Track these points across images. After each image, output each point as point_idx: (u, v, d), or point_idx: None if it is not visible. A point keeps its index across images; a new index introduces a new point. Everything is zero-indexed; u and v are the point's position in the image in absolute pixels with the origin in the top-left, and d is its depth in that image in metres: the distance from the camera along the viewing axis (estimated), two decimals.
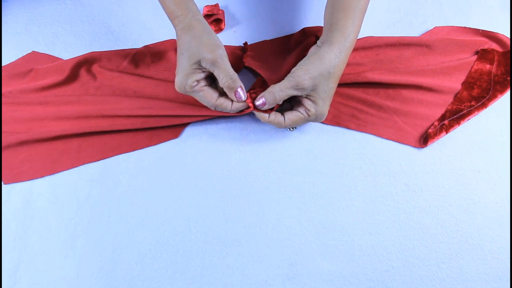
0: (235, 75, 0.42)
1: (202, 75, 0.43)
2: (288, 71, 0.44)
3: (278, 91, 0.43)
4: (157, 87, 0.51)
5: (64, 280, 0.45)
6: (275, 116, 0.45)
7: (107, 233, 0.47)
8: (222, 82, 0.42)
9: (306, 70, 0.42)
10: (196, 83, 0.43)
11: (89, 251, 0.46)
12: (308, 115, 0.44)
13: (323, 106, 0.44)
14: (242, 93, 0.43)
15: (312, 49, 0.45)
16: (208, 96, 0.44)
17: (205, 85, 0.44)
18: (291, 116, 0.45)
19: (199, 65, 0.42)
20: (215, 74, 0.42)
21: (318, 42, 0.45)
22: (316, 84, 0.42)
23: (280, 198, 0.48)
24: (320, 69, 0.42)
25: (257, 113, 0.46)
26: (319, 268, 0.45)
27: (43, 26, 0.58)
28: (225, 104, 0.44)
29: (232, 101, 0.44)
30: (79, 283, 0.45)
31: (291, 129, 0.49)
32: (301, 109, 0.44)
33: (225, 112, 0.46)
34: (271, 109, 0.45)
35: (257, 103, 0.44)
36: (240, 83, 0.43)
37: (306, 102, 0.44)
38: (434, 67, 0.51)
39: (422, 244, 0.45)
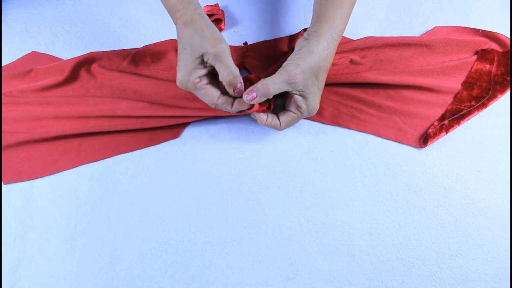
0: (236, 70, 0.42)
1: (205, 71, 0.42)
2: None
3: (271, 84, 0.42)
4: (158, 87, 0.51)
5: (64, 280, 0.45)
6: (272, 119, 0.45)
7: (107, 233, 0.47)
8: (223, 77, 0.41)
9: (297, 64, 0.41)
10: (198, 79, 0.42)
11: (89, 251, 0.46)
12: (301, 112, 0.44)
13: (314, 100, 0.44)
14: (242, 88, 0.43)
15: (300, 42, 0.44)
16: (209, 95, 0.43)
17: (207, 83, 0.43)
18: (285, 118, 0.45)
19: (201, 60, 0.42)
20: (217, 68, 0.41)
21: (305, 34, 0.44)
22: (306, 78, 0.42)
23: (280, 198, 0.48)
24: (310, 63, 0.42)
25: (254, 115, 0.45)
26: (319, 268, 0.45)
27: (43, 26, 0.58)
28: (225, 104, 0.44)
29: (232, 102, 0.44)
30: (79, 283, 0.45)
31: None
32: (293, 108, 0.45)
33: (225, 112, 0.46)
34: (268, 109, 0.45)
35: (248, 97, 0.42)
36: (240, 79, 0.42)
37: (297, 99, 0.44)
38: (434, 67, 0.51)
39: (422, 244, 0.45)
